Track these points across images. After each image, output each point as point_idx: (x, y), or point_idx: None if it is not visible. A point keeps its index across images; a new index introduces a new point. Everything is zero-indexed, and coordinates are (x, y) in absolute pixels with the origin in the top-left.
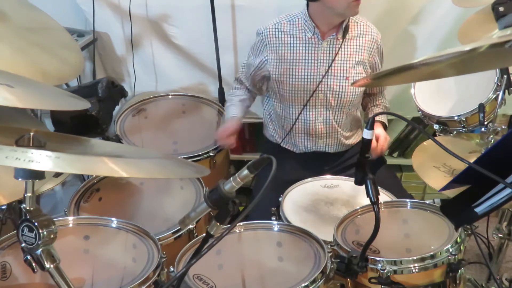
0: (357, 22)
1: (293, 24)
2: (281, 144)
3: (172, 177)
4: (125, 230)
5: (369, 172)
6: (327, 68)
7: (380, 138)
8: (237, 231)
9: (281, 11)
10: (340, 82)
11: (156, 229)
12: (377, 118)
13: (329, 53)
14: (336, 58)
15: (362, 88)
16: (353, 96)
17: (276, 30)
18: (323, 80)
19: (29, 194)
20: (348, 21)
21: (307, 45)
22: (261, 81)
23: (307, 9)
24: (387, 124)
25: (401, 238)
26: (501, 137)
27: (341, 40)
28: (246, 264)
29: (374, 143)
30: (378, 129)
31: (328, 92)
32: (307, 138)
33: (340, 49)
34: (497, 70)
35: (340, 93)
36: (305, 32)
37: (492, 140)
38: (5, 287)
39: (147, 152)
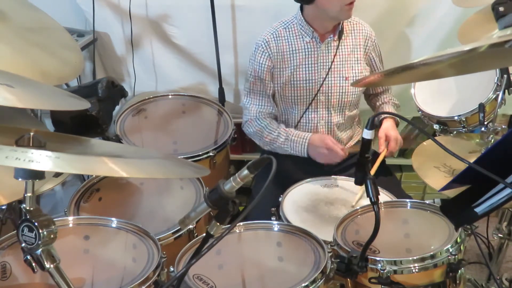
0: (349, 22)
1: (289, 31)
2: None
3: (172, 177)
4: (125, 230)
5: (369, 172)
6: (327, 70)
7: (391, 142)
8: (237, 231)
9: (280, 11)
10: (340, 83)
11: (156, 229)
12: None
13: (327, 55)
14: (335, 59)
15: (362, 87)
16: (354, 96)
17: (275, 38)
18: (324, 82)
19: (29, 194)
20: (342, 22)
21: (306, 49)
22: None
23: (302, 13)
24: (398, 120)
25: (401, 238)
26: (501, 137)
27: (337, 41)
28: (246, 264)
29: (383, 144)
30: (390, 128)
31: (329, 93)
32: None
33: (338, 50)
34: (497, 70)
35: (341, 93)
36: (302, 37)
37: (492, 140)
38: (5, 287)
39: (147, 152)
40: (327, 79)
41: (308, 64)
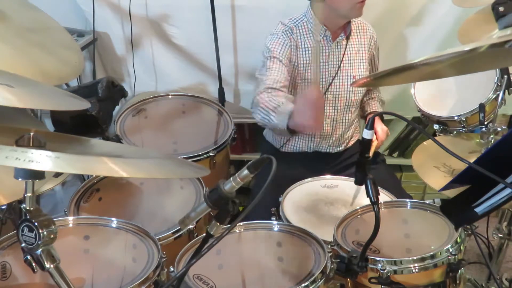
0: (354, 21)
1: (300, 28)
2: (281, 149)
3: (172, 177)
4: (125, 230)
5: (369, 172)
6: (336, 69)
7: (378, 132)
8: (237, 231)
9: (281, 11)
10: (348, 82)
11: (156, 229)
12: (371, 111)
13: (337, 54)
14: (344, 59)
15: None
16: (359, 95)
17: (289, 33)
18: (333, 81)
19: (29, 194)
20: (351, 21)
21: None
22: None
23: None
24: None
25: (401, 238)
26: (501, 137)
27: (346, 41)
28: (246, 264)
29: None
30: (376, 122)
31: (337, 92)
32: (311, 139)
33: (346, 49)
34: (497, 70)
35: (349, 92)
36: (313, 35)
37: (492, 140)
38: (5, 287)
39: (147, 152)
40: (336, 78)
41: (320, 62)
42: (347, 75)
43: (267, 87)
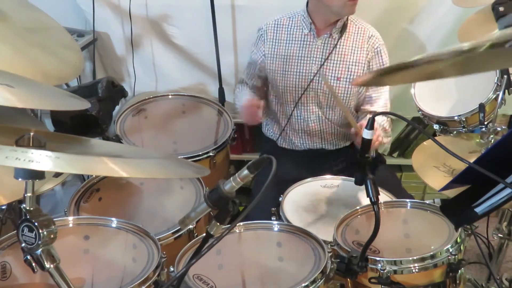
0: (355, 23)
1: (292, 21)
2: (278, 143)
3: (172, 177)
4: (125, 230)
5: (369, 172)
6: (319, 66)
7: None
8: (237, 231)
9: (281, 11)
10: (331, 82)
11: (156, 229)
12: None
13: (322, 52)
14: (330, 58)
15: (355, 89)
16: (345, 96)
17: (275, 25)
18: (314, 78)
19: (29, 194)
20: (347, 21)
21: (302, 41)
22: (264, 79)
23: (307, 6)
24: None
25: (401, 238)
26: (501, 137)
27: (336, 40)
28: (246, 264)
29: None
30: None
31: (319, 91)
32: (303, 135)
33: (335, 48)
34: (497, 70)
35: (330, 92)
36: (302, 29)
37: (492, 140)
38: (5, 287)
39: (147, 152)
40: (317, 75)
41: (301, 56)
42: (331, 75)
43: (240, 79)
